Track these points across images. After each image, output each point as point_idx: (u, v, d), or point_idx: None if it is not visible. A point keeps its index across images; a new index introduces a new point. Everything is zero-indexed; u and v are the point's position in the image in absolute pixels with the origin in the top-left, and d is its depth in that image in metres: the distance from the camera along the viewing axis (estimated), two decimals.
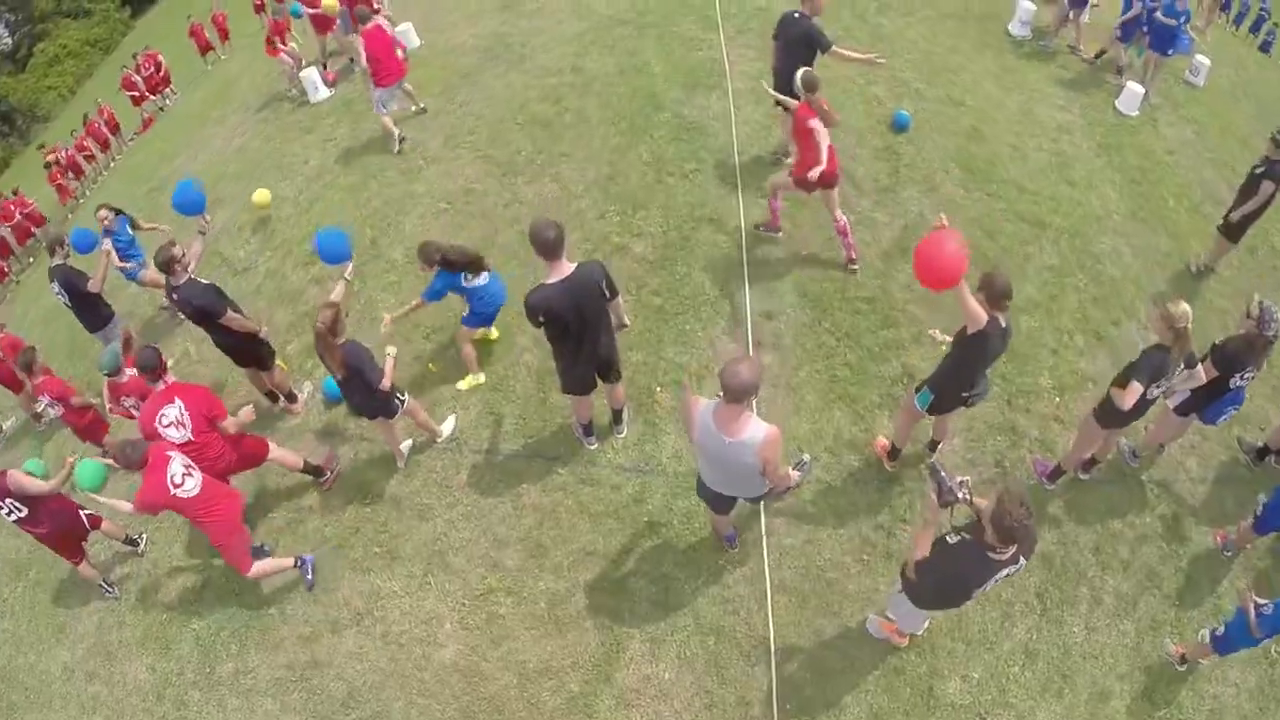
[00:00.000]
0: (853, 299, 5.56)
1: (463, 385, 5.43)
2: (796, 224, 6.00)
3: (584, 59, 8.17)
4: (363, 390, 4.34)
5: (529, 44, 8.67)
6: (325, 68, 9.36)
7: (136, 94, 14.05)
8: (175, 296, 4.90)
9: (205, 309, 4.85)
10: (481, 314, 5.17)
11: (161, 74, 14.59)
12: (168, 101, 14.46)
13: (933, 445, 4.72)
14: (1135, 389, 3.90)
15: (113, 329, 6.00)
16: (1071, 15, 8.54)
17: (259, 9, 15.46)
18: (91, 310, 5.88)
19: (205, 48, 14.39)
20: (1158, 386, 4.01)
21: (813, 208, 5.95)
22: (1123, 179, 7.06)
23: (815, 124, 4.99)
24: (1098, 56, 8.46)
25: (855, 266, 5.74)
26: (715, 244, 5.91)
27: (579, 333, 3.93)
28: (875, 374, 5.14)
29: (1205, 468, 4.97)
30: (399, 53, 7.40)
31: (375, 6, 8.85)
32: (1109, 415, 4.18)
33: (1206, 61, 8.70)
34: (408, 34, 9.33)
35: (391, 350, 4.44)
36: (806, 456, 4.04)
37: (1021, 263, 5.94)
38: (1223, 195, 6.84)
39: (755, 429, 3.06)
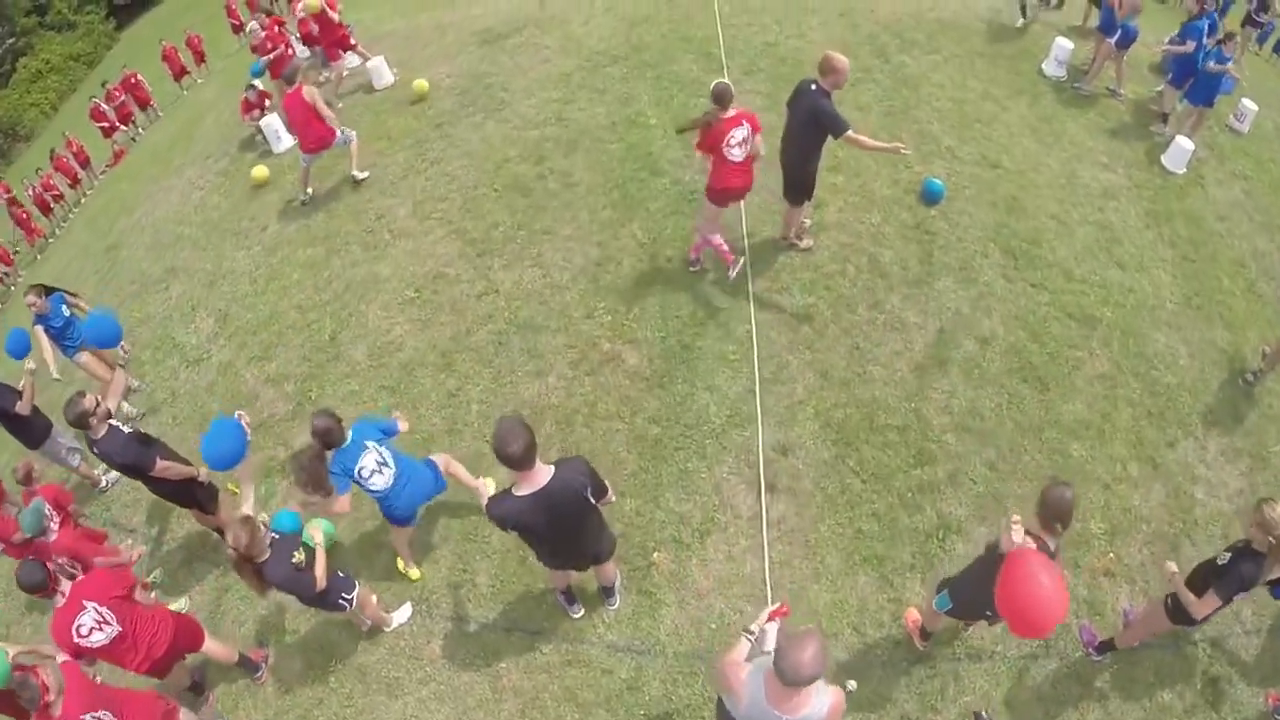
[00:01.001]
0: (882, 428, 4.56)
1: (413, 575, 4.27)
2: (820, 333, 4.91)
3: (570, 107, 6.96)
4: (304, 595, 3.46)
5: (510, 86, 7.43)
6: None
7: (107, 125, 12.68)
8: (96, 451, 4.01)
9: (131, 465, 4.02)
10: (390, 516, 3.88)
11: (140, 95, 13.03)
12: (141, 130, 12.96)
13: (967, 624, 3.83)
14: (1212, 602, 3.15)
15: (55, 442, 4.96)
16: (1114, 54, 7.26)
17: (237, 29, 13.94)
18: (26, 428, 4.87)
19: (180, 72, 12.93)
20: (1241, 596, 3.24)
21: (840, 315, 4.87)
22: (1174, 255, 5.97)
23: (736, 148, 4.53)
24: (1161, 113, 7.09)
25: (695, 269, 5.25)
26: (722, 355, 4.87)
27: (555, 538, 3.09)
28: (907, 527, 4.20)
29: (1260, 617, 4.12)
30: (327, 118, 6.17)
31: (350, 43, 7.74)
32: (1181, 614, 3.38)
33: (1253, 107, 7.49)
34: (379, 70, 8.11)
35: (317, 539, 3.42)
36: (852, 684, 3.01)
37: (1070, 372, 4.94)
38: (1278, 268, 6.02)
39: (818, 703, 2.30)
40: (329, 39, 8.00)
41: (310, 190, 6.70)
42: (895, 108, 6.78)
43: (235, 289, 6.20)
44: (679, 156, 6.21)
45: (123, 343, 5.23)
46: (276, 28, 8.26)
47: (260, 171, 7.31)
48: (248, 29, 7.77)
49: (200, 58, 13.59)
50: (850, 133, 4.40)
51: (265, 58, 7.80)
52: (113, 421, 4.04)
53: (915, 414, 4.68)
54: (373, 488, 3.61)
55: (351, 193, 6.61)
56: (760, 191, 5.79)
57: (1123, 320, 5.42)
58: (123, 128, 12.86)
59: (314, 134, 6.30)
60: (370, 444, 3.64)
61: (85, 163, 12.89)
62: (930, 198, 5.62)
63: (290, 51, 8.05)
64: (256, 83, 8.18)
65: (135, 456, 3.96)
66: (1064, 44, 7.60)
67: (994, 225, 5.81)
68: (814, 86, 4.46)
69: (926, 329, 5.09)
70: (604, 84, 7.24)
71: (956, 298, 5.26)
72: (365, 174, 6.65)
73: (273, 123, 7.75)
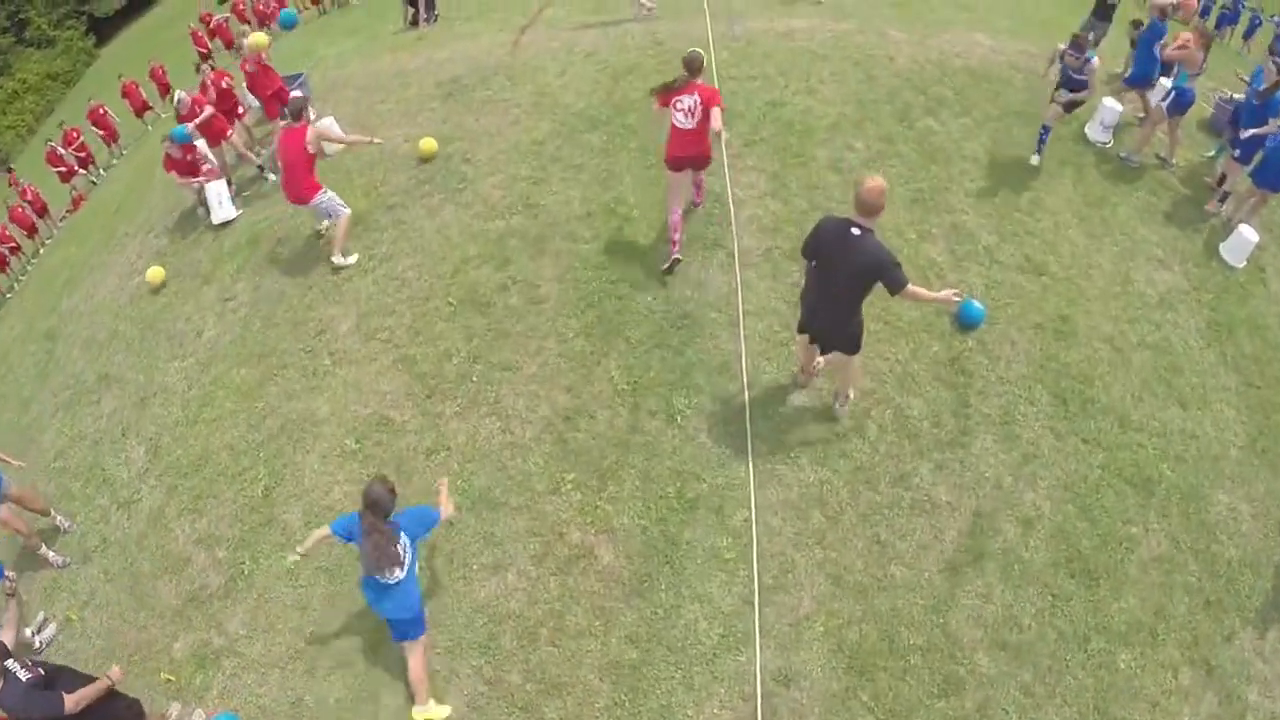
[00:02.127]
0: (903, 649, 3.54)
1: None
2: (833, 520, 3.82)
3: (541, 189, 5.62)
4: None
5: (473, 156, 6.04)
6: (231, 184, 6.59)
7: (64, 170, 11.32)
8: None
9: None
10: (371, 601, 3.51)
11: (107, 130, 11.60)
12: (103, 172, 11.54)
13: None
14: None
15: None
16: (1167, 120, 5.88)
17: (205, 57, 12.15)
18: None
19: (142, 108, 11.47)
20: None
21: (858, 495, 3.82)
22: (1238, 382, 4.81)
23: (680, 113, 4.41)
24: (1220, 183, 5.75)
25: (673, 263, 4.75)
26: (714, 551, 3.80)
27: None
28: None
29: None
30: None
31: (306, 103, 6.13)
32: None
33: None
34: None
35: None
36: None
37: (1123, 558, 3.88)
38: None
39: None
40: (267, 90, 6.59)
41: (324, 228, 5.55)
42: (923, 192, 5.45)
43: (167, 413, 5.12)
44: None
45: (8, 577, 3.85)
46: (224, 81, 6.77)
47: (156, 274, 6.09)
48: (175, 99, 6.44)
49: (165, 90, 11.92)
50: (910, 286, 3.39)
51: (193, 123, 6.29)
52: (9, 665, 3.12)
53: (942, 629, 3.63)
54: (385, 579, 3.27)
55: (294, 292, 5.35)
56: (765, 315, 4.55)
57: (1183, 479, 4.30)
58: (81, 172, 11.40)
59: (297, 185, 5.20)
60: (403, 535, 3.31)
61: (43, 210, 11.37)
62: (967, 322, 4.62)
63: (215, 114, 6.47)
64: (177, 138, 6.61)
65: (43, 710, 3.12)
66: (1112, 106, 6.14)
67: (1041, 357, 4.61)
68: (858, 231, 3.34)
69: (960, 510, 3.96)
70: (581, 156, 5.86)
71: (997, 464, 4.12)
72: (349, 259, 5.36)
73: (218, 189, 6.35)
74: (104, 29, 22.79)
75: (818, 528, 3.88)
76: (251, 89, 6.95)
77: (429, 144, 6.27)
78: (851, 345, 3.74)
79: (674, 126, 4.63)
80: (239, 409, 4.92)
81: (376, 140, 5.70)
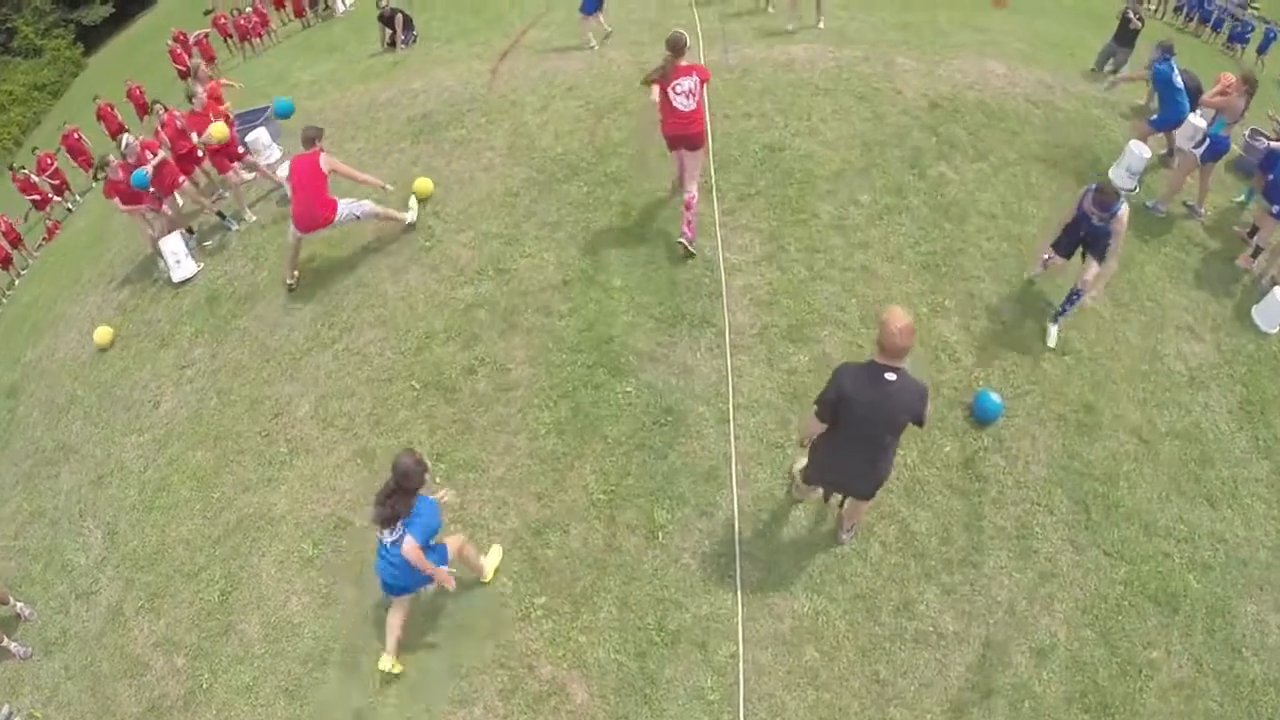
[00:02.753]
0: None
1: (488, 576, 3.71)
2: (829, 656, 3.34)
3: (514, 249, 4.98)
4: None
5: (443, 209, 5.38)
6: (192, 233, 6.01)
7: (39, 198, 10.58)
8: None
9: None
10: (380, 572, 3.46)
11: (82, 157, 10.73)
12: (79, 199, 10.77)
13: None
14: None
15: None
16: (1199, 168, 5.23)
17: (183, 75, 10.77)
18: None
19: (118, 130, 10.30)
20: None
21: (857, 626, 3.31)
22: (1270, 470, 4.23)
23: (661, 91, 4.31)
24: (1251, 234, 5.17)
25: (687, 245, 4.59)
26: (697, 692, 3.29)
27: None
28: None
29: None
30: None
31: (239, 152, 5.71)
32: None
33: None
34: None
35: None
36: None
37: (1141, 685, 3.40)
38: None
39: None
40: (217, 151, 5.84)
41: (297, 275, 5.05)
42: (935, 255, 4.78)
43: (124, 495, 4.62)
44: (649, 342, 4.22)
45: None
46: (179, 122, 5.94)
47: (103, 335, 5.55)
48: (122, 144, 5.64)
49: (143, 110, 11.01)
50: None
51: (148, 166, 5.54)
52: None
53: None
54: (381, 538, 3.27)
55: (252, 364, 4.78)
56: (758, 410, 3.89)
57: (1209, 591, 3.77)
58: (57, 199, 10.63)
59: (313, 208, 4.77)
60: (412, 532, 3.21)
61: (17, 242, 10.40)
62: (983, 416, 4.00)
63: (167, 160, 5.75)
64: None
65: None
66: (1140, 152, 5.37)
67: (1063, 455, 4.02)
68: (893, 375, 2.77)
69: (969, 641, 3.45)
70: (558, 211, 5.19)
71: (1011, 585, 3.60)
72: (411, 213, 5.12)
73: (172, 243, 5.68)
74: (92, 37, 21.47)
75: (811, 665, 3.37)
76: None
77: (424, 185, 5.52)
78: (879, 488, 3.21)
79: (673, 108, 4.52)
80: (195, 497, 4.43)
81: (388, 186, 5.15)
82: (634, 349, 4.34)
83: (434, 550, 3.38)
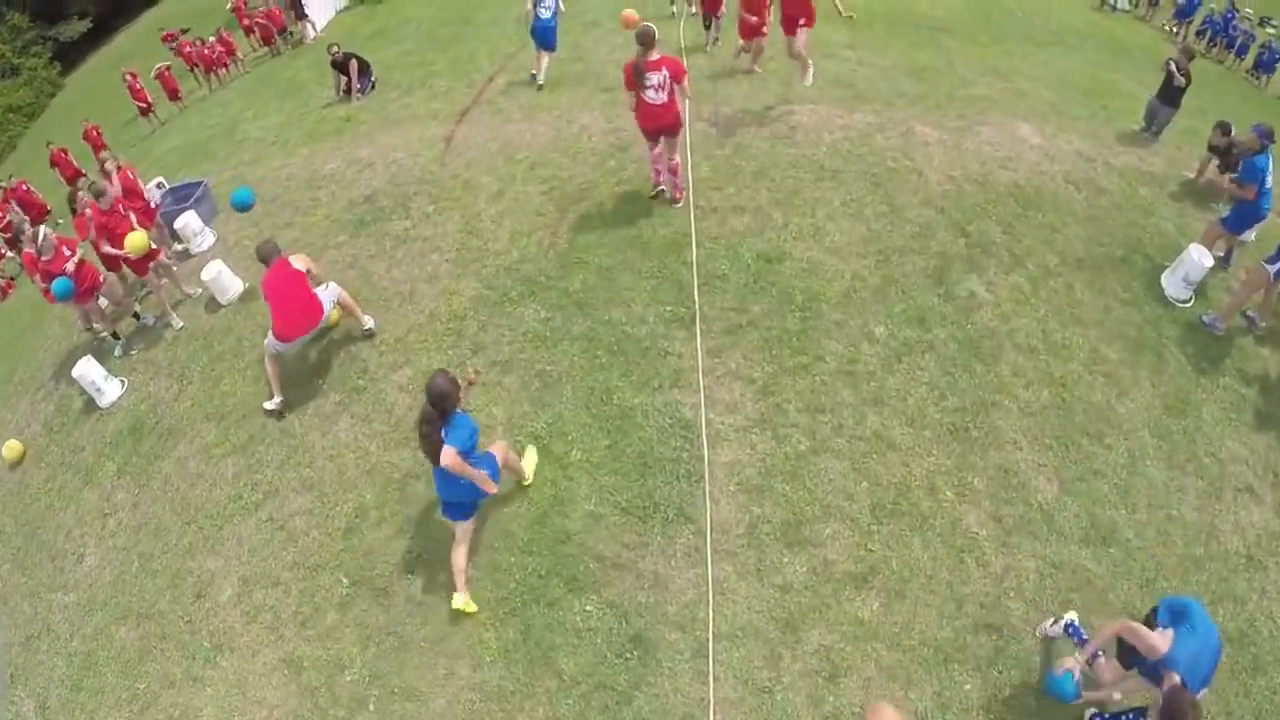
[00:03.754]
0: None
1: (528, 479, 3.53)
2: None
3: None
4: None
5: (379, 335, 4.21)
6: (117, 337, 4.86)
7: None
8: None
9: None
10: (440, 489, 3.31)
11: (35, 210, 9.30)
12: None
13: None
14: None
15: None
16: (1270, 284, 4.10)
17: (145, 111, 9.81)
18: None
19: (73, 176, 9.10)
20: None
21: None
22: None
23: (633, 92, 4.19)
24: None
25: (676, 202, 4.47)
26: None
27: None
28: None
29: None
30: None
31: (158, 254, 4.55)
32: None
33: None
34: (219, 280, 4.79)
35: None
36: None
37: None
38: None
39: None
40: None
41: (280, 399, 4.04)
42: (964, 413, 3.64)
43: (52, 664, 3.73)
44: (613, 547, 3.25)
45: None
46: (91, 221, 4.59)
47: (12, 450, 4.65)
48: (39, 239, 4.57)
49: (100, 150, 9.23)
50: None
51: (70, 265, 4.48)
52: None
53: None
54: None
55: (174, 525, 3.84)
56: (743, 640, 2.96)
57: None
58: (9, 254, 9.10)
59: (304, 312, 3.85)
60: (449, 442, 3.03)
61: None
62: (1058, 696, 2.78)
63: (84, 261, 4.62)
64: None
65: None
66: (1201, 260, 4.21)
67: None
68: None
69: None
70: (510, 344, 4.02)
71: None
72: (369, 323, 4.19)
73: (89, 373, 4.57)
74: (70, 55, 19.29)
75: None
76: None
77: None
78: None
79: (645, 102, 4.37)
80: (120, 684, 3.52)
81: (367, 322, 4.22)
82: (595, 553, 3.27)
83: (482, 460, 3.24)
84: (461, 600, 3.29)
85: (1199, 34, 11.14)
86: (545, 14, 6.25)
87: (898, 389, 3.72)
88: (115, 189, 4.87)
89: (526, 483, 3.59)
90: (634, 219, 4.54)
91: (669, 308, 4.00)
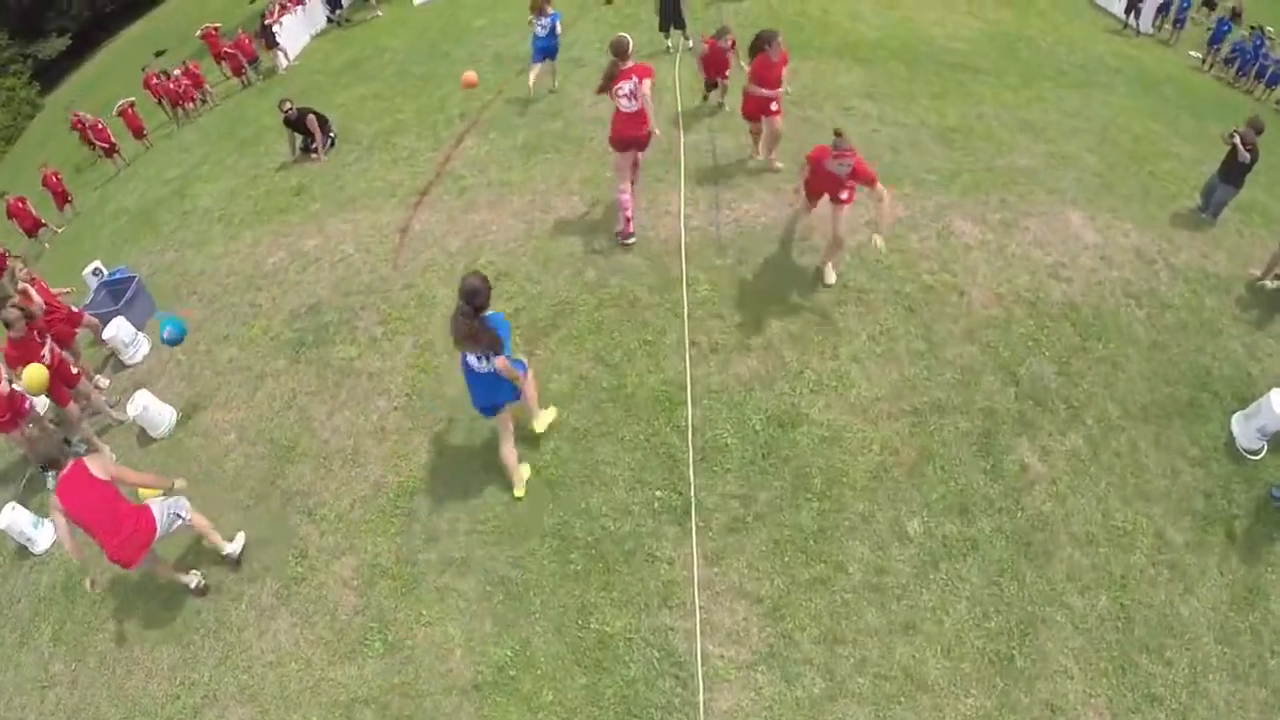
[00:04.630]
0: None
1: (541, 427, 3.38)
2: None
3: (408, 606, 3.00)
4: None
5: (317, 505, 3.34)
6: (46, 470, 3.70)
7: None
8: None
9: None
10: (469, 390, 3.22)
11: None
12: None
13: None
14: None
15: None
16: None
17: (110, 152, 8.42)
18: None
19: (33, 227, 8.07)
20: None
21: None
22: None
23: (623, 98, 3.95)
24: None
25: (627, 240, 4.09)
26: None
27: None
28: None
29: None
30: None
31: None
32: None
33: None
34: (147, 415, 3.89)
35: None
36: None
37: None
38: None
39: None
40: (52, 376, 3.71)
41: (200, 582, 3.19)
42: (1010, 636, 2.79)
43: None
44: None
45: None
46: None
47: (35, 378, 3.65)
48: None
49: (62, 199, 8.33)
50: None
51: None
52: None
53: None
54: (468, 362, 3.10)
55: (113, 710, 3.08)
56: None
57: None
58: None
59: (122, 532, 2.88)
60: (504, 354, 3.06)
61: None
62: None
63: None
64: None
65: None
66: (1276, 407, 3.32)
67: None
68: None
69: None
70: (467, 539, 3.12)
71: None
72: (236, 545, 3.25)
73: (16, 523, 3.71)
74: (50, 73, 17.45)
75: None
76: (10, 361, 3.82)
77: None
78: None
79: (618, 111, 4.13)
80: None
81: (178, 483, 3.11)
82: None
83: (515, 362, 3.19)
84: (521, 491, 3.22)
85: (1227, 62, 9.89)
86: (542, 32, 6.20)
87: (933, 607, 2.82)
88: (37, 303, 3.88)
89: (538, 430, 3.37)
90: (616, 359, 3.50)
91: (658, 492, 3.05)
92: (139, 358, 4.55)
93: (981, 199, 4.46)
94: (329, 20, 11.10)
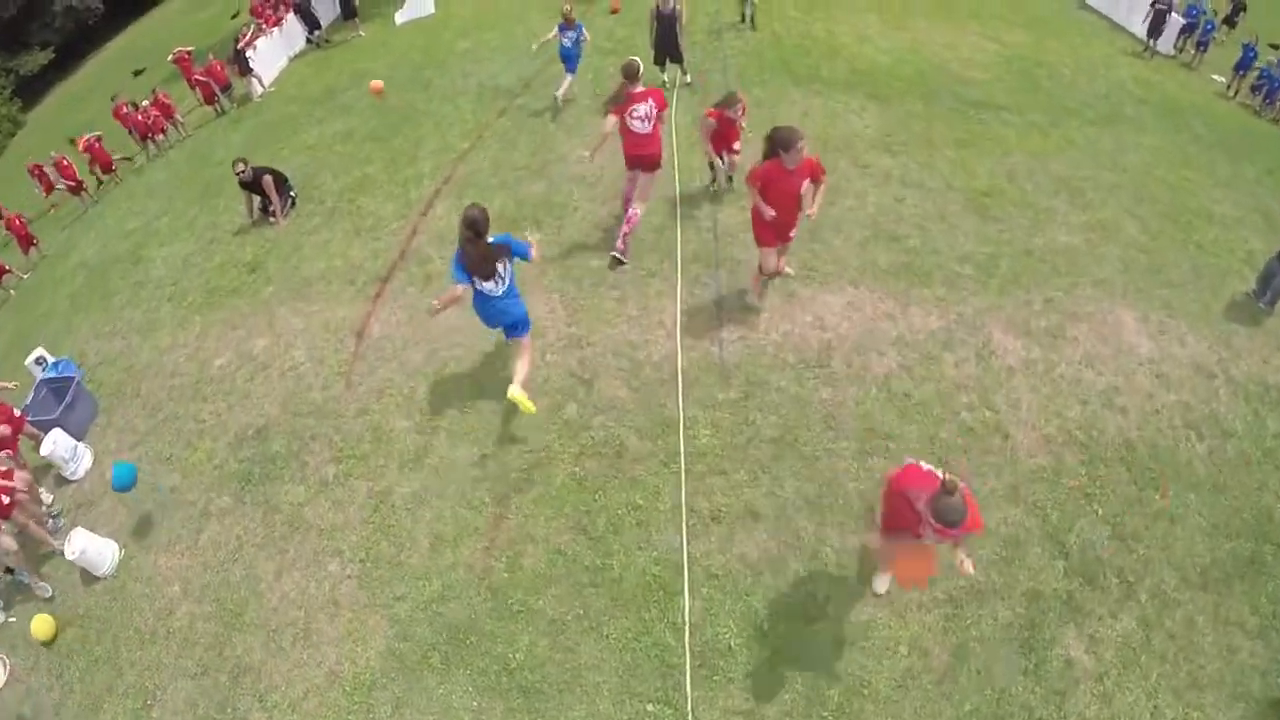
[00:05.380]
0: None
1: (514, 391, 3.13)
2: None
3: None
4: None
5: (273, 692, 2.72)
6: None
7: None
8: None
9: None
10: (482, 317, 3.33)
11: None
12: None
13: None
14: None
15: None
16: None
17: (75, 189, 7.37)
18: None
19: None
20: None
21: None
22: None
23: (618, 119, 3.87)
24: None
25: (619, 257, 3.98)
26: None
27: None
28: None
29: None
30: None
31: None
32: None
33: None
34: (86, 558, 3.27)
35: None
36: None
37: None
38: None
39: None
40: None
41: None
42: None
43: None
44: None
45: None
46: None
47: (43, 627, 3.17)
48: None
49: (27, 243, 7.34)
50: None
51: None
52: None
53: None
54: (483, 290, 3.18)
55: None
56: None
57: None
58: None
59: None
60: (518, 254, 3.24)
61: None
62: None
63: None
64: None
65: None
66: None
67: None
68: None
69: None
70: None
71: None
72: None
73: None
74: (33, 88, 15.81)
75: None
76: None
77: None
78: None
79: (630, 132, 3.98)
80: None
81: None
82: None
83: (523, 244, 3.24)
84: (518, 391, 3.14)
85: (1254, 89, 8.85)
86: (567, 43, 5.98)
87: None
88: None
89: (511, 394, 3.12)
90: (600, 529, 2.82)
91: (650, 706, 2.40)
92: (80, 473, 3.84)
93: (1023, 297, 3.65)
94: (308, 41, 10.00)
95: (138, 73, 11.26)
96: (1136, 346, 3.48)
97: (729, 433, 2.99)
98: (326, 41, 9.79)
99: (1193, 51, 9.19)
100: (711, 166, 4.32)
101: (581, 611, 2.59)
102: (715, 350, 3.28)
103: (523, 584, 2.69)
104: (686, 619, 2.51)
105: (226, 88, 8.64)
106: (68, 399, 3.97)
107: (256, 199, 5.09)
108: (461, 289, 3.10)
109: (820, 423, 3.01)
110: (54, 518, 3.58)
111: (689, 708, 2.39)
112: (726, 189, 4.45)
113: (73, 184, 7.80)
